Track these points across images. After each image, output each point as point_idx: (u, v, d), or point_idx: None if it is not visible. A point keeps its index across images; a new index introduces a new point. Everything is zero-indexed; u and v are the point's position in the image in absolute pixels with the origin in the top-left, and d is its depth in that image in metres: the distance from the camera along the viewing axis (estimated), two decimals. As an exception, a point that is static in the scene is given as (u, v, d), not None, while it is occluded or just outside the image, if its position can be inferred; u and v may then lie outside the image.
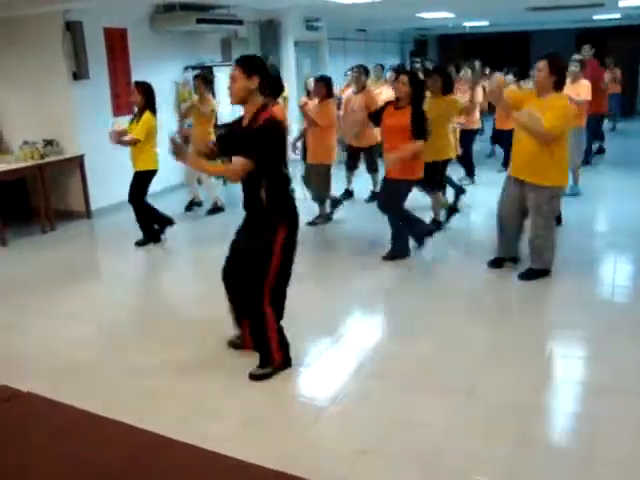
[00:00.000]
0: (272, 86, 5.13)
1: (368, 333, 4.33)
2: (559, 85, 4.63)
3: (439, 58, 18.19)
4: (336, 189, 7.22)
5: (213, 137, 7.37)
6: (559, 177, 4.72)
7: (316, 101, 6.60)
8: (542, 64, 4.56)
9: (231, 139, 3.57)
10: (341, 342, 4.08)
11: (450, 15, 12.35)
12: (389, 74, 8.99)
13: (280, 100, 7.05)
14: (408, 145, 5.14)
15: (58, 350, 4.13)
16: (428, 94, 5.89)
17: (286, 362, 3.67)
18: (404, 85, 5.20)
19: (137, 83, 6.20)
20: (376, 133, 6.94)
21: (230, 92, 3.38)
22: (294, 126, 8.93)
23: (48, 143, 7.23)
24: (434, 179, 6.12)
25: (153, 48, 8.36)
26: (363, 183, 7.91)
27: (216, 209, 7.57)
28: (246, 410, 3.29)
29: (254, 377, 3.59)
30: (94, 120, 7.54)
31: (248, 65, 3.34)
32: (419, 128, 5.14)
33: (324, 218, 6.90)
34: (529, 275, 4.93)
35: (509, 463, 2.79)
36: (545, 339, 4.02)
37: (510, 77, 8.98)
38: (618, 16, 13.95)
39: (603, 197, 7.82)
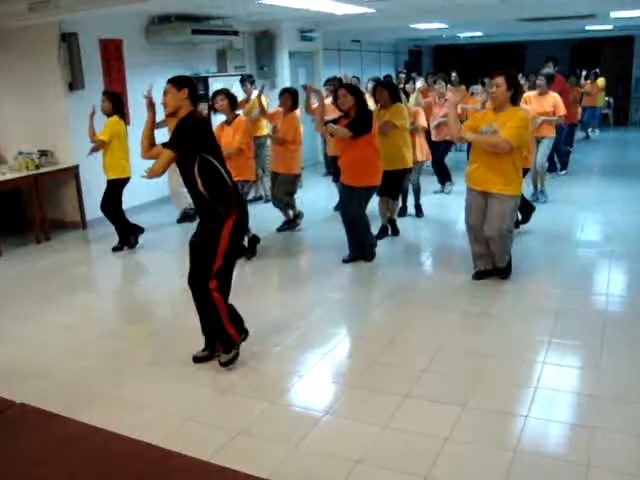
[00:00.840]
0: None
1: (361, 343, 4.33)
2: (515, 99, 4.82)
3: (434, 68, 18.27)
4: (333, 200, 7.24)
5: None
6: (520, 186, 4.96)
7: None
8: (500, 80, 4.69)
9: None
10: (334, 352, 4.08)
11: (444, 26, 12.44)
12: (369, 84, 8.99)
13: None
14: (338, 128, 5.47)
15: (53, 360, 4.11)
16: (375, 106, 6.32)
17: (242, 332, 3.93)
18: (346, 96, 5.44)
19: (105, 92, 6.44)
20: None
21: (164, 104, 3.76)
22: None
23: (43, 153, 7.24)
24: (395, 187, 6.39)
25: (148, 59, 8.38)
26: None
27: (186, 217, 7.60)
28: (240, 420, 3.28)
29: (225, 364, 3.82)
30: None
31: (179, 83, 3.75)
32: (354, 124, 5.42)
33: (292, 224, 7.08)
34: (508, 272, 5.16)
35: (505, 473, 2.78)
36: (538, 347, 4.02)
37: (478, 87, 9.01)
38: (610, 27, 14.07)
39: (569, 203, 7.96)
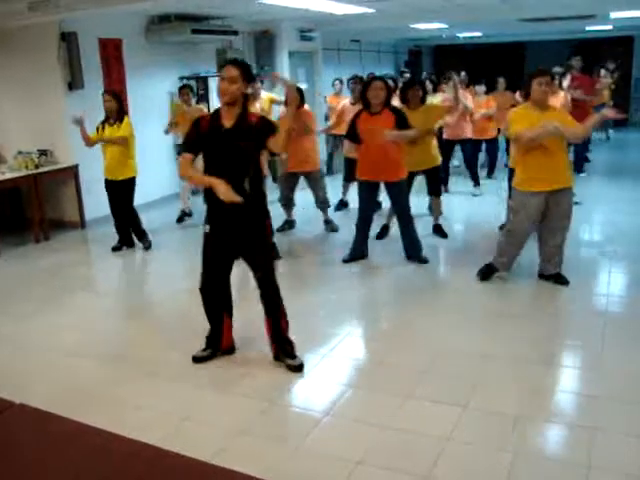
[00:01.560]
0: None
1: (362, 343, 4.32)
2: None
3: (434, 68, 18.28)
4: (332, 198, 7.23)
5: None
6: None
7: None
8: (549, 78, 4.65)
9: (210, 140, 3.57)
10: (335, 352, 4.07)
11: (443, 26, 12.43)
12: (352, 85, 8.98)
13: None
14: (403, 132, 5.35)
15: (51, 360, 4.10)
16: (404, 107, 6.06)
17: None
18: (382, 90, 5.33)
19: (110, 91, 6.41)
20: None
21: (224, 92, 3.43)
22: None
23: (42, 153, 7.23)
24: (438, 185, 6.42)
25: (148, 58, 8.38)
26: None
27: (185, 215, 7.64)
28: (239, 420, 3.27)
29: (299, 367, 3.76)
30: (88, 130, 7.51)
31: (247, 72, 3.49)
32: (405, 124, 5.38)
33: (290, 224, 7.08)
34: (564, 279, 4.99)
35: (506, 474, 2.77)
36: (540, 348, 4.01)
37: (482, 87, 9.01)
38: (610, 27, 14.07)
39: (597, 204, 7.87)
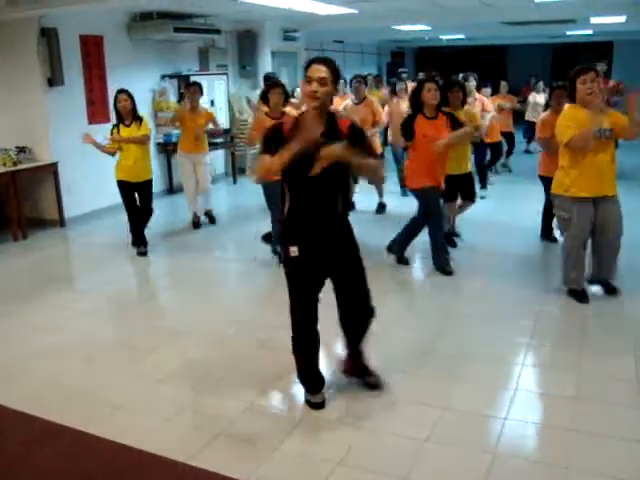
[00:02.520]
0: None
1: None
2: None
3: (415, 70, 18.36)
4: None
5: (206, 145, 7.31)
6: None
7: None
8: (592, 75, 4.38)
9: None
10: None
11: (426, 28, 12.49)
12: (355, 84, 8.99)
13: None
14: (459, 131, 5.18)
15: (30, 360, 4.05)
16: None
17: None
18: (437, 91, 5.11)
19: (124, 91, 6.18)
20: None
21: (313, 95, 2.98)
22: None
23: (21, 150, 7.14)
24: (472, 188, 6.25)
25: (129, 56, 8.32)
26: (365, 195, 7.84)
27: (213, 220, 7.52)
28: (220, 422, 3.26)
29: (380, 385, 3.51)
30: (68, 127, 7.46)
31: (337, 72, 3.05)
32: (459, 125, 5.25)
33: None
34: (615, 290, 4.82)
35: (485, 475, 2.79)
36: (514, 349, 4.04)
37: (488, 90, 9.10)
38: (590, 32, 14.24)
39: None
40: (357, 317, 3.33)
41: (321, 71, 2.97)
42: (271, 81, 7.80)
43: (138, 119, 6.14)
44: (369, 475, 2.81)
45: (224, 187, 10.08)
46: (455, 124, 5.22)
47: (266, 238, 6.02)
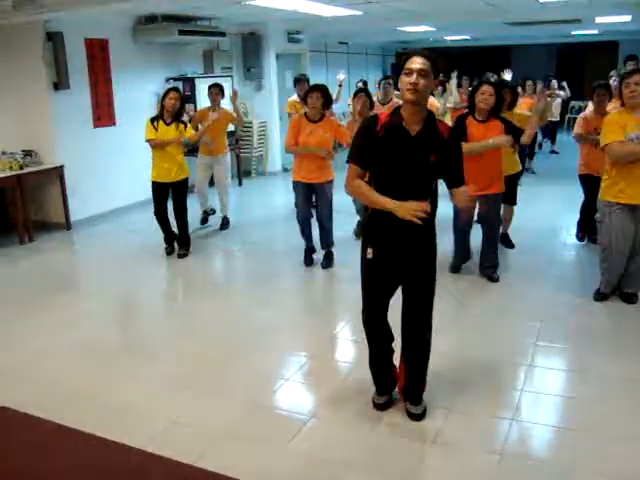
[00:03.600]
0: None
1: (347, 346, 4.31)
2: None
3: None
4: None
5: (228, 147, 7.35)
6: None
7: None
8: (638, 77, 4.21)
9: (391, 148, 2.89)
10: (320, 355, 4.07)
11: (431, 29, 12.48)
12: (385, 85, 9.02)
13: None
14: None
15: (36, 362, 4.06)
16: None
17: None
18: (491, 96, 4.89)
19: (176, 89, 6.20)
20: None
21: (414, 87, 2.77)
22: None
23: (27, 154, 7.16)
24: (514, 192, 6.02)
25: (134, 59, 8.35)
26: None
27: (227, 224, 7.45)
28: (225, 425, 3.26)
29: (421, 416, 3.24)
30: (74, 131, 7.50)
31: (436, 65, 2.85)
32: (515, 131, 4.98)
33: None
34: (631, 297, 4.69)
35: (492, 475, 2.78)
36: (521, 350, 4.03)
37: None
38: (595, 32, 14.20)
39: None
40: (414, 332, 3.16)
41: (421, 62, 2.78)
42: (303, 81, 7.78)
43: (181, 122, 6.10)
44: (376, 476, 2.81)
45: (230, 189, 10.06)
46: (511, 130, 4.94)
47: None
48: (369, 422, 3.23)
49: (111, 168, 7.84)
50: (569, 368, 3.84)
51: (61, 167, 7.35)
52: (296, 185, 5.72)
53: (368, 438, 3.10)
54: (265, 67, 10.52)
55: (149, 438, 3.02)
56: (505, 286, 5.16)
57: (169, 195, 6.27)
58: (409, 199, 2.84)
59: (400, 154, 2.84)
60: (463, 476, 2.80)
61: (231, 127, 9.80)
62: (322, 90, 5.49)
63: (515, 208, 6.18)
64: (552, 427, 3.19)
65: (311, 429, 3.19)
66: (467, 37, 15.40)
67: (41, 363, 4.07)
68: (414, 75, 2.76)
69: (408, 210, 2.77)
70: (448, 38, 15.62)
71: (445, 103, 8.07)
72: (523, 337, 4.21)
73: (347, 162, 3.03)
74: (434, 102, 8.13)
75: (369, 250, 3.06)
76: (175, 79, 8.94)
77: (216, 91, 7.05)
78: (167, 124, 6.06)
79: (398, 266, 3.05)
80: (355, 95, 6.24)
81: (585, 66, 17.19)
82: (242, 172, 10.23)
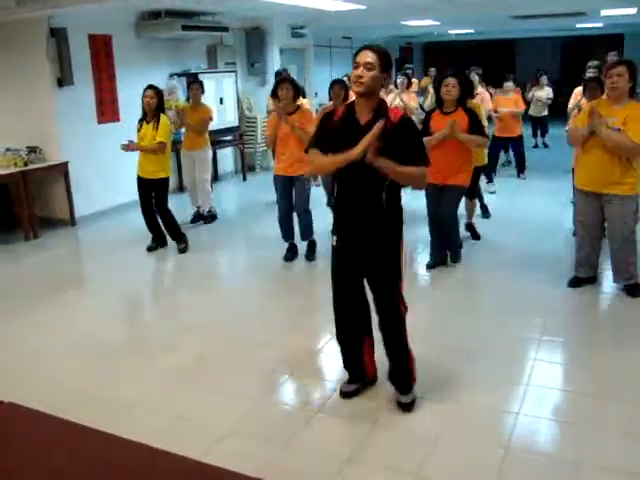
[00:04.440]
0: None
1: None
2: (633, 92, 4.44)
3: (424, 65, 18.30)
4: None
5: (208, 143, 7.33)
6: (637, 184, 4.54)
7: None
8: (622, 69, 4.31)
9: (342, 138, 2.99)
10: (325, 349, 4.07)
11: (435, 23, 12.44)
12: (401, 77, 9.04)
13: None
14: (474, 136, 5.10)
15: (42, 359, 4.07)
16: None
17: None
18: (454, 87, 5.05)
19: (152, 87, 6.17)
20: None
21: (360, 80, 2.91)
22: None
23: (32, 150, 7.17)
24: (474, 186, 6.11)
25: (138, 55, 8.34)
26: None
27: (208, 218, 7.51)
28: (230, 419, 3.26)
29: (409, 405, 3.28)
30: (78, 127, 7.50)
31: (386, 59, 2.97)
32: (478, 127, 5.15)
33: None
34: (632, 290, 4.72)
35: (497, 470, 2.78)
36: (526, 345, 4.02)
37: (510, 84, 9.02)
38: (600, 25, 14.13)
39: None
40: (381, 326, 3.24)
41: (368, 56, 2.91)
42: (279, 77, 7.89)
43: (157, 119, 6.07)
44: (382, 471, 2.81)
45: (233, 184, 10.09)
46: (474, 123, 5.11)
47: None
48: (373, 418, 3.23)
49: (116, 164, 7.83)
50: (573, 362, 3.83)
51: (65, 163, 7.36)
52: (275, 179, 5.83)
53: (371, 434, 3.10)
54: (269, 62, 10.50)
55: (153, 435, 3.02)
56: (506, 280, 5.15)
57: (152, 192, 6.31)
58: (365, 188, 3.01)
59: (350, 142, 2.90)
60: (468, 470, 2.80)
61: (234, 123, 9.89)
62: (290, 81, 5.62)
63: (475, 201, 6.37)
64: (557, 421, 3.19)
65: (315, 425, 3.19)
66: (471, 31, 15.34)
67: (45, 360, 4.08)
68: (360, 68, 2.91)
69: (363, 145, 2.82)
70: (452, 32, 15.57)
71: (424, 102, 8.12)
72: (527, 331, 4.21)
73: (306, 151, 3.20)
74: (411, 101, 8.26)
75: (333, 238, 3.22)
76: (179, 75, 8.93)
77: (196, 87, 7.17)
78: (148, 122, 6.11)
79: (359, 251, 3.14)
80: (332, 86, 6.38)
81: (590, 59, 17.08)
82: (246, 167, 10.23)
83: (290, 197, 5.80)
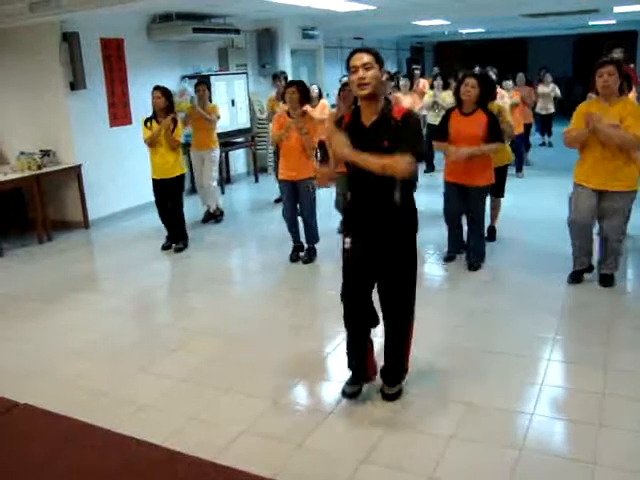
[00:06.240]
0: None
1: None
2: (623, 89, 4.58)
3: (436, 65, 18.25)
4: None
5: (217, 143, 7.38)
6: (637, 179, 4.65)
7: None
8: (611, 68, 4.42)
9: (350, 141, 2.97)
10: (337, 351, 4.06)
11: (446, 22, 12.40)
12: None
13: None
14: (492, 145, 5.04)
15: (56, 360, 4.11)
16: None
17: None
18: (474, 88, 4.97)
19: (158, 87, 6.23)
20: None
21: (362, 81, 2.90)
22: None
23: (45, 153, 7.23)
24: (501, 185, 6.06)
25: (150, 58, 8.38)
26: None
27: (218, 215, 7.57)
28: (244, 420, 3.27)
29: (395, 396, 3.37)
30: (91, 130, 7.55)
31: (380, 57, 3.01)
32: (497, 132, 5.05)
33: None
34: (610, 281, 4.85)
35: (511, 471, 2.76)
36: (540, 344, 4.00)
37: (510, 83, 9.03)
38: (613, 22, 14.02)
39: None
40: (389, 327, 3.28)
41: (363, 57, 2.93)
42: (279, 78, 7.94)
43: (172, 119, 6.14)
44: (394, 473, 2.80)
45: (246, 186, 10.12)
46: (492, 127, 5.01)
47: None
48: (385, 419, 3.22)
49: (128, 167, 7.89)
50: (588, 362, 3.80)
51: (79, 166, 7.41)
52: (280, 183, 5.87)
53: (384, 435, 3.09)
54: (280, 63, 10.51)
55: (167, 435, 3.04)
56: (520, 279, 5.12)
57: (170, 192, 6.35)
58: (376, 190, 3.02)
59: (357, 145, 2.92)
60: (482, 471, 2.79)
61: (246, 124, 9.91)
62: (297, 85, 5.59)
63: (503, 200, 6.24)
64: (572, 421, 3.16)
65: (328, 426, 3.19)
66: (482, 30, 15.27)
67: (59, 360, 4.11)
68: (360, 70, 2.91)
69: (338, 143, 2.92)
70: (463, 31, 15.52)
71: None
72: (541, 331, 4.18)
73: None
74: (414, 104, 8.27)
75: (346, 240, 3.17)
76: (190, 77, 8.96)
77: (202, 88, 7.26)
78: (158, 123, 6.16)
79: (373, 254, 3.11)
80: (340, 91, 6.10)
81: (603, 57, 16.96)
82: (258, 168, 10.25)
83: (295, 201, 5.81)
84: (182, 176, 6.39)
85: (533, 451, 2.90)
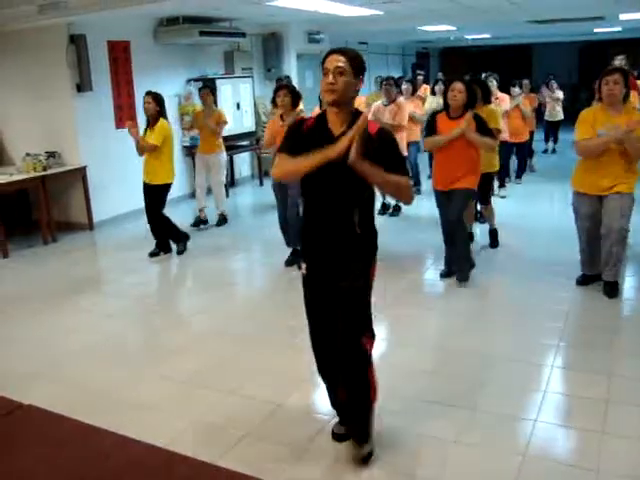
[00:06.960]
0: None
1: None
2: (626, 97, 4.63)
3: (441, 71, 18.26)
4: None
5: (222, 147, 7.40)
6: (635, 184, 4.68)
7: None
8: (618, 77, 4.46)
9: (309, 147, 2.60)
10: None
11: (451, 28, 12.41)
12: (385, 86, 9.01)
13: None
14: (486, 138, 5.02)
15: (60, 362, 4.11)
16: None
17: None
18: (460, 93, 4.98)
19: (149, 92, 6.20)
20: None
21: (332, 87, 2.59)
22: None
23: (51, 155, 7.26)
24: (488, 191, 6.12)
25: (156, 61, 8.41)
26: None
27: (223, 220, 7.60)
28: (247, 423, 3.27)
29: (366, 459, 2.88)
30: (97, 132, 7.58)
31: (358, 62, 2.65)
32: (485, 129, 5.05)
33: None
34: (612, 290, 4.79)
35: (514, 477, 2.75)
36: (544, 351, 3.99)
37: (517, 90, 9.03)
38: (619, 29, 14.01)
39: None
40: (344, 361, 2.84)
41: (339, 60, 2.59)
42: (278, 84, 7.97)
43: (156, 123, 6.10)
44: (399, 477, 2.79)
45: (250, 189, 10.13)
46: (480, 130, 5.01)
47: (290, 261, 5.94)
48: (388, 424, 3.21)
49: (133, 169, 7.87)
50: (592, 369, 3.79)
51: (84, 168, 7.43)
52: (273, 186, 5.93)
53: (387, 440, 3.08)
54: (285, 67, 10.53)
55: (170, 438, 3.04)
56: (522, 285, 5.11)
57: (160, 197, 6.32)
58: (336, 204, 2.70)
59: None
60: (485, 478, 2.78)
61: (251, 128, 9.93)
62: (288, 87, 5.62)
63: (493, 206, 6.25)
64: (575, 429, 3.16)
65: (331, 431, 3.19)
66: (488, 36, 15.28)
67: (62, 362, 4.11)
68: (330, 75, 2.59)
69: (344, 143, 2.46)
70: (469, 37, 15.52)
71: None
72: (544, 337, 4.17)
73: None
74: (417, 109, 8.25)
75: (303, 265, 2.90)
76: (196, 80, 8.99)
77: (206, 92, 7.28)
78: (150, 128, 6.15)
79: (331, 277, 2.80)
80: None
81: (608, 64, 16.95)
82: (263, 172, 10.26)
83: (286, 203, 5.81)
84: (163, 186, 6.24)
85: (536, 458, 2.89)
